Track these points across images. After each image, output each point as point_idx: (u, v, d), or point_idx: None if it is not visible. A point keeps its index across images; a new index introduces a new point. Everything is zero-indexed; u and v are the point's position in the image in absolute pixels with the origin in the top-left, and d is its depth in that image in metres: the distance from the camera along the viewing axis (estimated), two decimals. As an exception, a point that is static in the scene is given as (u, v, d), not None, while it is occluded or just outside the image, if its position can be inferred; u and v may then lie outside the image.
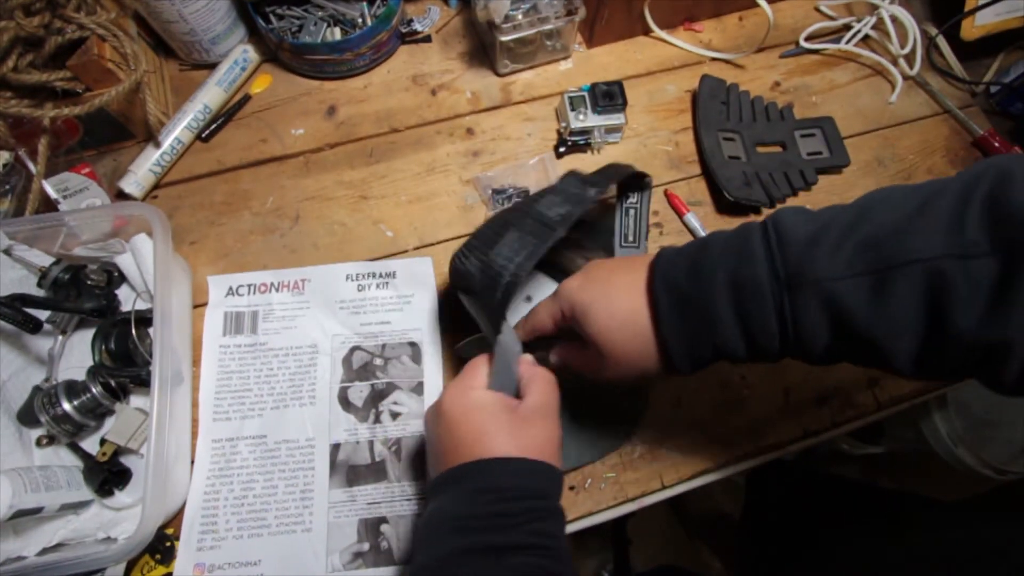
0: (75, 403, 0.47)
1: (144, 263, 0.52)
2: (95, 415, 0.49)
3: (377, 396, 0.53)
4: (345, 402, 0.53)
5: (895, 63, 0.70)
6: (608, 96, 0.61)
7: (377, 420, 0.52)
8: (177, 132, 0.60)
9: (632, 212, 0.53)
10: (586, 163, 0.64)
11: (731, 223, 0.57)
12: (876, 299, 0.30)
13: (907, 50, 0.68)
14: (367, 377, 0.54)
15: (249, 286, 0.56)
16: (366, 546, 0.48)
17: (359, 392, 0.53)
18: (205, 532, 0.48)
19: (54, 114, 0.51)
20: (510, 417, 0.38)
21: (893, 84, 0.70)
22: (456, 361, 0.54)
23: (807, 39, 0.70)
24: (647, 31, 0.70)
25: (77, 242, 0.52)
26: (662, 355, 0.37)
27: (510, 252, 0.40)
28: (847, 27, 0.72)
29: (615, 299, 0.38)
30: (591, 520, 0.51)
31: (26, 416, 0.49)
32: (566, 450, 0.50)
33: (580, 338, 0.41)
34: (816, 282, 0.31)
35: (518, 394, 0.41)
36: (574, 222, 0.41)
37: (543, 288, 0.56)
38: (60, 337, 0.53)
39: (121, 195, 0.58)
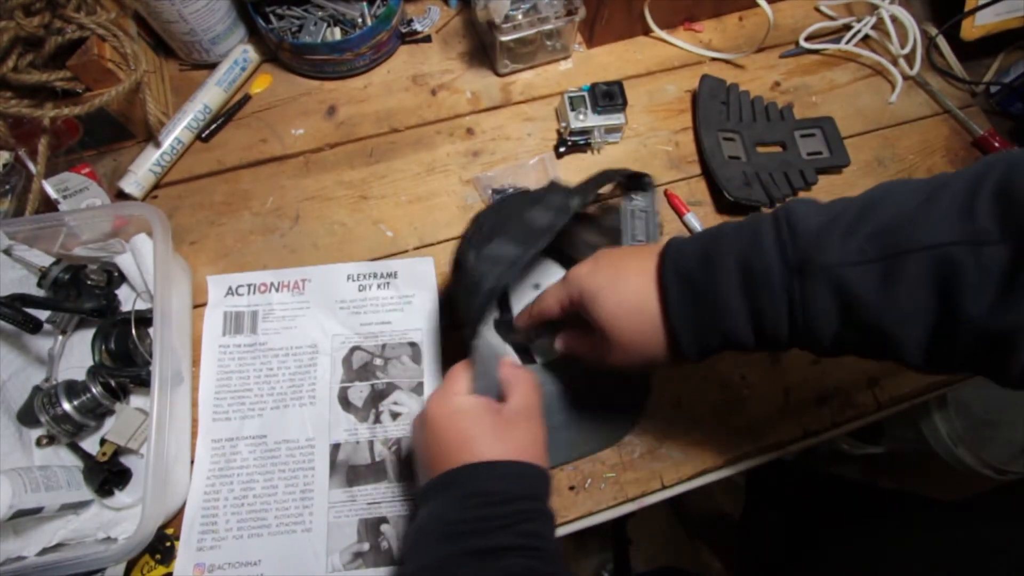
0: (75, 403, 0.47)
1: (144, 263, 0.52)
2: (95, 415, 0.49)
3: (377, 396, 0.53)
4: (345, 402, 0.53)
5: (895, 63, 0.70)
6: (608, 96, 0.61)
7: (377, 420, 0.52)
8: (177, 132, 0.60)
9: (641, 213, 0.53)
10: (586, 163, 0.64)
11: (731, 223, 0.57)
12: (886, 285, 0.30)
13: (907, 50, 0.68)
14: (367, 377, 0.54)
15: (249, 286, 0.56)
16: (366, 546, 0.48)
17: (359, 392, 0.53)
18: (205, 532, 0.48)
19: (54, 114, 0.51)
20: (494, 420, 0.38)
21: (893, 84, 0.70)
22: (456, 361, 0.54)
23: (807, 39, 0.70)
24: (647, 31, 0.70)
25: (77, 242, 0.52)
26: (670, 342, 0.37)
27: (495, 259, 0.40)
28: (847, 27, 0.72)
29: (624, 285, 0.38)
30: (591, 520, 0.51)
31: (26, 416, 0.49)
32: (563, 444, 0.51)
33: (586, 325, 0.41)
34: (826, 268, 0.31)
35: (501, 397, 0.42)
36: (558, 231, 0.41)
37: (550, 275, 0.56)
38: (60, 337, 0.53)
39: (121, 195, 0.58)
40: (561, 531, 0.51)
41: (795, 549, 0.66)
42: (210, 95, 0.61)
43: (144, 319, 0.51)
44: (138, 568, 0.47)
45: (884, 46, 0.71)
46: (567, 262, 0.57)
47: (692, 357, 0.37)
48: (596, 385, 0.51)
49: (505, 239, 0.40)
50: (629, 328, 0.38)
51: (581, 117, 0.61)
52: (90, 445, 0.50)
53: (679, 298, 0.36)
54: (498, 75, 0.67)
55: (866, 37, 0.72)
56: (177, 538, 0.48)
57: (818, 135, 0.65)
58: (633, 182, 0.52)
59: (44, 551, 0.45)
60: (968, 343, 0.29)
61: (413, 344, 0.55)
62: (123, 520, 0.48)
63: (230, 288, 0.56)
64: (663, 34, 0.70)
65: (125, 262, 0.53)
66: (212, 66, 0.64)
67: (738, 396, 0.55)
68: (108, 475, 0.48)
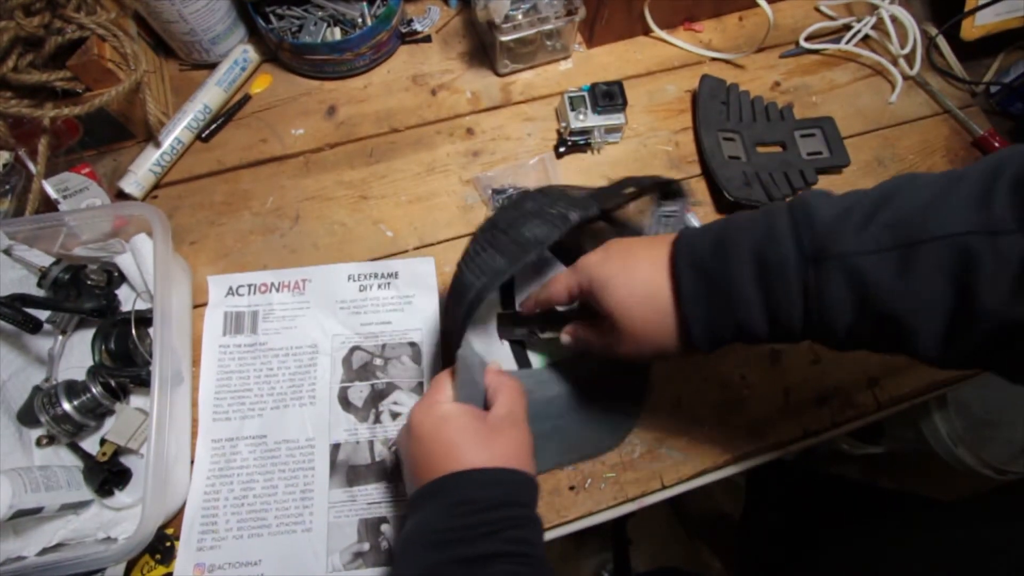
0: (75, 403, 0.47)
1: (144, 263, 0.52)
2: (95, 415, 0.49)
3: (377, 396, 0.53)
4: (345, 402, 0.53)
5: (895, 63, 0.70)
6: (608, 96, 0.61)
7: (377, 420, 0.52)
8: (177, 132, 0.60)
9: (667, 220, 0.52)
10: (586, 163, 0.64)
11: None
12: (902, 274, 0.29)
13: (907, 50, 0.68)
14: (367, 377, 0.54)
15: (250, 286, 0.56)
16: (366, 546, 0.48)
17: (359, 392, 0.53)
18: (205, 532, 0.48)
19: (54, 114, 0.51)
20: (479, 427, 0.38)
21: (893, 84, 0.70)
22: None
23: (807, 39, 0.70)
24: (647, 31, 0.70)
25: (77, 242, 0.52)
26: (681, 332, 0.37)
27: (482, 269, 0.40)
28: (847, 27, 0.72)
29: (635, 274, 0.38)
30: (591, 520, 0.51)
31: (26, 416, 0.49)
32: (562, 447, 0.51)
33: (594, 315, 0.41)
34: (842, 257, 0.31)
35: (486, 405, 0.41)
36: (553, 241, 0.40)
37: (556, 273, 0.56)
38: (60, 337, 0.53)
39: (121, 195, 0.58)
40: (561, 531, 0.51)
41: (795, 549, 0.66)
42: (210, 95, 0.61)
43: (144, 319, 0.51)
44: (138, 568, 0.47)
45: (884, 46, 0.71)
46: (571, 260, 0.57)
47: (703, 348, 0.36)
48: (596, 387, 0.51)
49: (496, 249, 0.40)
50: (640, 317, 0.37)
51: (581, 117, 0.61)
52: (90, 445, 0.50)
53: (692, 287, 0.35)
54: (498, 75, 0.67)
55: (866, 37, 0.72)
56: (177, 538, 0.48)
57: (818, 135, 0.65)
58: (663, 190, 0.51)
59: (44, 551, 0.45)
60: (984, 335, 0.28)
61: (413, 344, 0.55)
62: (123, 520, 0.48)
63: (230, 288, 0.56)
64: (663, 34, 0.70)
65: (125, 262, 0.53)
66: (212, 66, 0.64)
67: (738, 396, 0.55)
68: (108, 475, 0.48)
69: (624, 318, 0.38)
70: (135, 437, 0.48)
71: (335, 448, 0.51)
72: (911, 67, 0.69)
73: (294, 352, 0.54)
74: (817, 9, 0.74)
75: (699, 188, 0.63)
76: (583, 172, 0.63)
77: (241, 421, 0.52)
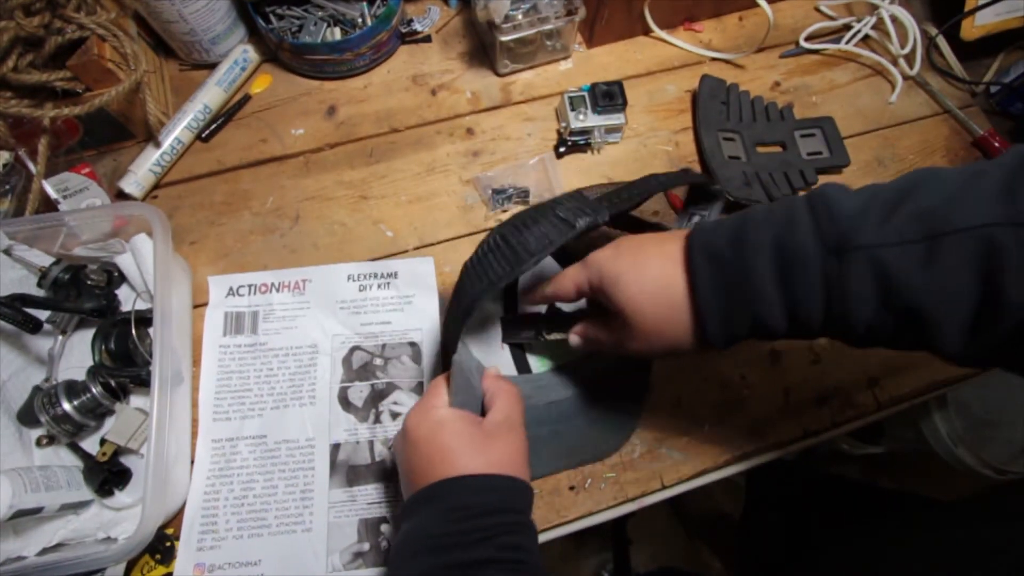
0: (75, 403, 0.47)
1: (144, 263, 0.52)
2: (95, 415, 0.49)
3: (377, 396, 0.53)
4: (345, 402, 0.53)
5: (895, 63, 0.70)
6: (608, 96, 0.61)
7: (377, 420, 0.52)
8: (177, 132, 0.60)
9: (696, 220, 0.51)
10: (586, 163, 0.64)
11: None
12: (927, 267, 0.29)
13: (907, 50, 0.68)
14: (367, 377, 0.54)
15: (250, 286, 0.56)
16: (366, 546, 0.48)
17: (359, 392, 0.53)
18: (205, 532, 0.48)
19: (54, 114, 0.51)
20: (474, 433, 0.38)
21: (893, 84, 0.70)
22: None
23: (807, 39, 0.70)
24: (647, 31, 0.70)
25: (77, 242, 0.52)
26: (696, 327, 0.36)
27: (478, 275, 0.40)
28: (847, 27, 0.72)
29: (648, 268, 0.37)
30: (591, 520, 0.51)
31: (26, 416, 0.49)
32: (562, 451, 0.51)
33: (602, 314, 0.40)
34: (865, 248, 0.30)
35: (482, 410, 0.41)
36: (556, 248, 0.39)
37: None
38: (60, 337, 0.53)
39: (121, 195, 0.58)
40: (561, 531, 0.51)
41: (795, 549, 0.66)
42: (210, 95, 0.61)
43: (144, 319, 0.51)
44: (138, 568, 0.47)
45: (884, 46, 0.71)
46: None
47: (718, 343, 0.35)
48: (596, 393, 0.51)
49: (496, 255, 0.40)
50: (653, 312, 0.37)
51: (581, 117, 0.61)
52: (90, 445, 0.50)
53: (708, 280, 0.34)
54: (498, 75, 0.67)
55: (866, 37, 0.72)
56: (177, 538, 0.48)
57: (818, 135, 0.65)
58: (700, 191, 0.49)
59: (44, 551, 0.45)
60: (1008, 329, 0.28)
61: (413, 344, 0.55)
62: (123, 520, 0.48)
63: (231, 288, 0.56)
64: (663, 34, 0.70)
65: (125, 262, 0.53)
66: (212, 66, 0.64)
67: (738, 396, 0.55)
68: (108, 475, 0.48)
69: (636, 314, 0.37)
70: (135, 437, 0.48)
71: (335, 448, 0.51)
72: (911, 67, 0.69)
73: (294, 352, 0.54)
74: (817, 9, 0.74)
75: (699, 188, 0.63)
76: (583, 172, 0.63)
77: (241, 421, 0.52)
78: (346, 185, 0.61)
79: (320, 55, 0.62)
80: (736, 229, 0.34)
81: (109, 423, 0.51)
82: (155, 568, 0.47)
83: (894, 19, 0.68)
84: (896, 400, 0.57)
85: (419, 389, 0.54)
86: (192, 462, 0.50)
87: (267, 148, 0.63)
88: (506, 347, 0.55)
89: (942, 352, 0.31)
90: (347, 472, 0.51)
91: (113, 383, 0.49)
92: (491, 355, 0.54)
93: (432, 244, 0.59)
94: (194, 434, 0.51)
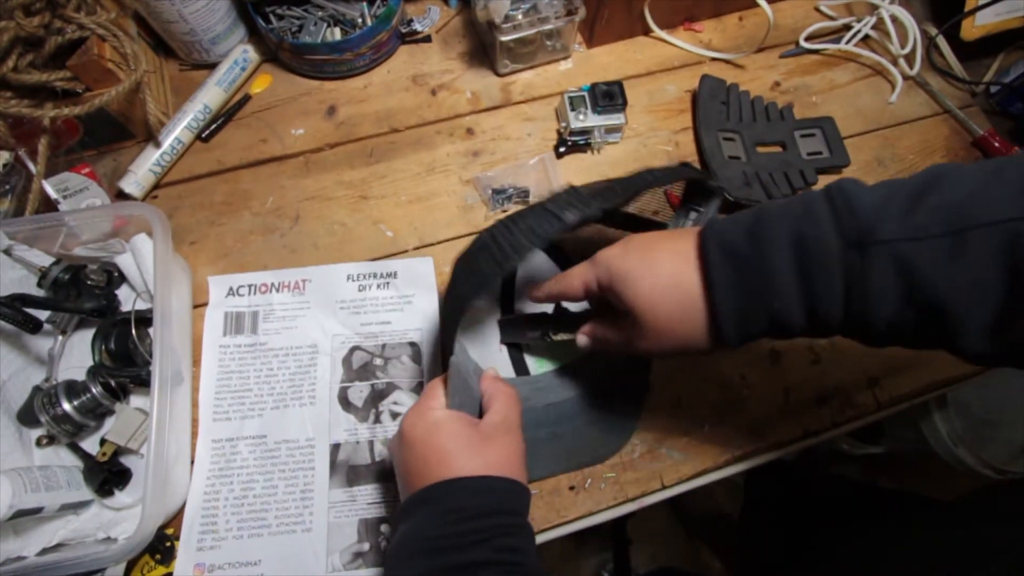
0: (75, 403, 0.47)
1: (144, 263, 0.52)
2: (95, 415, 0.49)
3: (377, 396, 0.53)
4: (345, 402, 0.53)
5: (895, 63, 0.70)
6: (608, 96, 0.61)
7: (377, 420, 0.52)
8: (177, 132, 0.60)
9: (695, 216, 0.50)
10: (586, 163, 0.64)
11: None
12: (952, 261, 0.28)
13: (907, 50, 0.68)
14: (367, 377, 0.54)
15: (250, 286, 0.56)
16: (366, 546, 0.48)
17: (359, 392, 0.53)
18: (205, 532, 0.48)
19: (54, 114, 0.51)
20: (471, 434, 0.38)
21: (893, 84, 0.70)
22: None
23: (807, 39, 0.70)
24: (647, 31, 0.70)
25: (77, 242, 0.52)
26: (710, 325, 0.35)
27: (470, 273, 0.40)
28: (847, 27, 0.72)
29: (659, 265, 0.36)
30: (591, 520, 0.51)
31: (26, 416, 0.49)
32: (561, 454, 0.51)
33: (610, 313, 0.40)
34: (889, 243, 0.29)
35: (479, 412, 0.41)
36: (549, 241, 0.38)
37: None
38: (60, 337, 0.53)
39: (121, 195, 0.58)
40: (561, 531, 0.51)
41: (795, 549, 0.66)
42: (210, 95, 0.61)
43: (144, 319, 0.51)
44: (138, 568, 0.47)
45: (884, 46, 0.71)
46: (564, 263, 0.57)
47: (732, 341, 0.34)
48: (595, 396, 0.51)
49: (484, 253, 0.39)
50: (664, 310, 0.36)
51: (581, 117, 0.61)
52: (90, 445, 0.50)
53: (723, 275, 0.33)
54: (498, 75, 0.67)
55: (866, 37, 0.72)
56: (177, 538, 0.48)
57: (818, 135, 0.65)
58: (697, 187, 0.48)
59: (44, 551, 0.45)
60: None
61: (413, 344, 0.55)
62: (123, 520, 0.48)
63: (231, 288, 0.56)
64: (663, 34, 0.70)
65: (125, 262, 0.53)
66: (212, 66, 0.64)
67: (738, 396, 0.55)
68: (108, 475, 0.48)
69: (647, 312, 0.36)
70: (135, 437, 0.48)
71: (335, 448, 0.51)
72: (911, 67, 0.69)
73: (294, 352, 0.54)
74: (817, 9, 0.74)
75: (699, 188, 0.63)
76: (583, 172, 0.63)
77: (241, 421, 0.52)
78: (346, 185, 0.61)
79: (320, 55, 0.62)
80: (752, 223, 0.34)
81: (109, 423, 0.51)
82: (155, 568, 0.47)
83: (894, 19, 0.69)
84: (896, 400, 0.57)
85: (419, 389, 0.54)
86: (192, 462, 0.50)
87: (267, 148, 0.63)
88: (504, 349, 0.55)
89: (962, 349, 0.30)
90: (347, 472, 0.51)
91: (113, 383, 0.49)
92: (488, 357, 0.54)
93: (432, 244, 0.59)
94: (194, 434, 0.51)
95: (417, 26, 0.67)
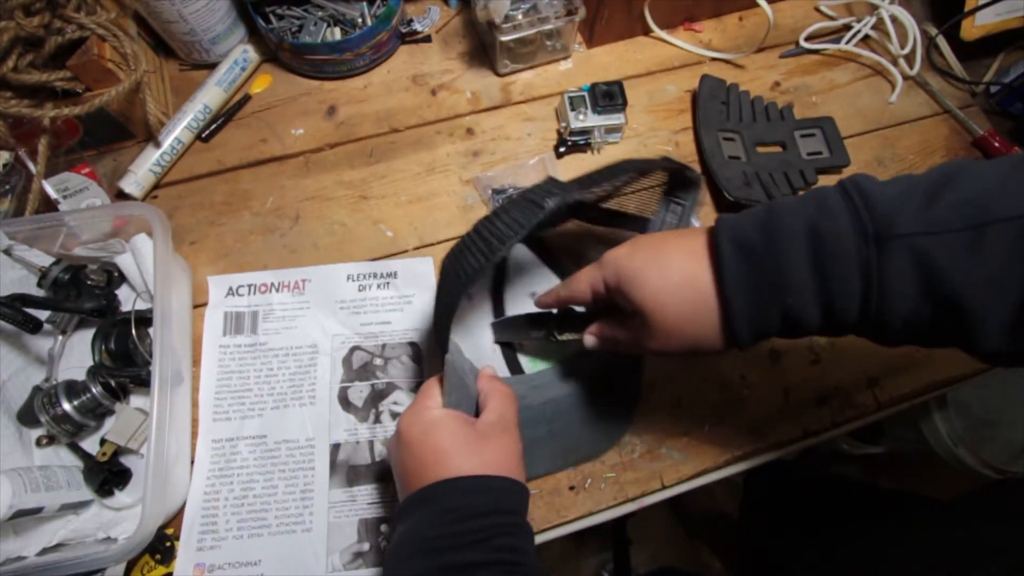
0: (75, 403, 0.47)
1: (144, 263, 0.52)
2: (95, 415, 0.49)
3: (377, 396, 0.53)
4: (345, 402, 0.53)
5: (895, 63, 0.70)
6: (608, 96, 0.61)
7: (377, 420, 0.52)
8: (177, 132, 0.60)
9: (672, 217, 0.50)
10: (586, 163, 0.64)
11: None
12: (972, 256, 0.28)
13: (907, 50, 0.68)
14: (367, 377, 0.54)
15: (250, 286, 0.56)
16: (366, 546, 0.48)
17: (359, 392, 0.53)
18: (205, 532, 0.48)
19: (54, 114, 0.51)
20: (468, 433, 0.38)
21: (893, 84, 0.70)
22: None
23: (807, 39, 0.70)
24: (647, 31, 0.70)
25: (77, 242, 0.52)
26: (722, 323, 0.34)
27: (458, 271, 0.39)
28: (847, 27, 0.72)
29: (669, 263, 0.36)
30: (591, 520, 0.51)
31: (26, 416, 0.49)
32: (558, 451, 0.51)
33: (616, 312, 0.40)
34: (908, 237, 0.29)
35: (476, 411, 0.41)
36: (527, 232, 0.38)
37: (545, 283, 0.56)
38: (60, 337, 0.53)
39: (121, 195, 0.58)
40: (561, 531, 0.51)
41: (795, 549, 0.66)
42: (210, 95, 0.61)
43: (144, 319, 0.51)
44: (138, 568, 0.47)
45: (884, 46, 0.71)
46: (556, 268, 0.57)
47: (744, 338, 0.34)
48: (591, 392, 0.51)
49: (471, 251, 0.39)
50: (675, 308, 0.35)
51: (581, 117, 0.61)
52: (90, 445, 0.50)
53: (736, 271, 0.33)
54: (498, 75, 0.67)
55: (866, 37, 0.72)
56: (177, 538, 0.48)
57: (818, 135, 0.65)
58: (678, 178, 0.47)
59: (44, 551, 0.45)
60: None
61: (413, 344, 0.55)
62: (123, 520, 0.48)
63: (231, 288, 0.56)
64: (663, 34, 0.70)
65: (125, 262, 0.53)
66: (212, 66, 0.64)
67: (738, 396, 0.55)
68: (108, 475, 0.48)
69: (656, 311, 0.35)
70: (135, 437, 0.48)
71: (335, 448, 0.51)
72: (911, 67, 0.69)
73: (294, 352, 0.54)
74: (817, 9, 0.74)
75: (699, 188, 0.63)
76: (583, 172, 0.63)
77: (241, 421, 0.52)
78: (346, 185, 0.61)
79: (320, 55, 0.62)
80: (765, 218, 0.33)
81: (109, 423, 0.51)
82: (155, 568, 0.47)
83: (894, 19, 0.69)
84: (896, 400, 0.57)
85: (419, 389, 0.54)
86: (192, 462, 0.50)
87: (267, 148, 0.63)
88: (497, 348, 0.55)
89: (979, 347, 0.30)
90: (347, 472, 0.51)
91: (113, 383, 0.49)
92: (482, 356, 0.54)
93: (432, 244, 0.59)
94: (194, 434, 0.51)
95: (417, 26, 0.67)
